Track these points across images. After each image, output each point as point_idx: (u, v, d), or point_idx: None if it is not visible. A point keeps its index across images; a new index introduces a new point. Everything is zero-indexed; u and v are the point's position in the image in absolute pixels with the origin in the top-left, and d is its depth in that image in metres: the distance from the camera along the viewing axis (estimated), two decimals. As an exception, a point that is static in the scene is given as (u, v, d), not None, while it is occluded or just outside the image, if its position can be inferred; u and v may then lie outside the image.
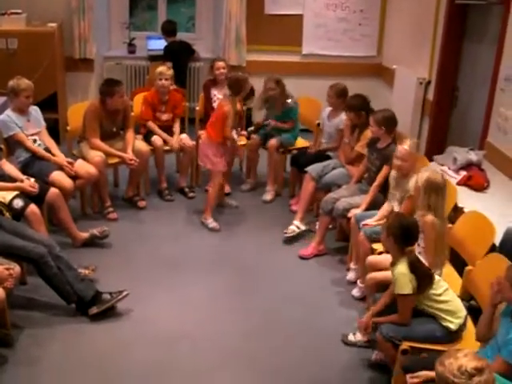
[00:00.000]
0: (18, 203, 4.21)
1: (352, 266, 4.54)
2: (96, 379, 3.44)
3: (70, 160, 4.96)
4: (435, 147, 5.79)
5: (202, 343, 3.78)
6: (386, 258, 3.67)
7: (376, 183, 4.50)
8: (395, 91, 6.77)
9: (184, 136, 5.86)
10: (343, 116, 5.22)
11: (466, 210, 4.03)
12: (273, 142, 5.84)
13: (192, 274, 4.56)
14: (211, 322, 4.03)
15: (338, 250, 4.98)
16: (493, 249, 3.53)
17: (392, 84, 6.86)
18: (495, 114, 4.85)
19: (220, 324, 4.00)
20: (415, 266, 3.20)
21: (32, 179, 4.50)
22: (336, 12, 7.61)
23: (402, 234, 3.23)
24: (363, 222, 4.26)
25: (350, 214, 4.49)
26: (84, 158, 5.19)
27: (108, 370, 3.51)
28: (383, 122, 4.51)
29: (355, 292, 4.34)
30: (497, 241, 3.57)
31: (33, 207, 4.27)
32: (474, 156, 4.68)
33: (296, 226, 5.14)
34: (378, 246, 4.02)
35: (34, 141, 4.90)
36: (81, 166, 5.02)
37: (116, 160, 5.40)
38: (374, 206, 4.44)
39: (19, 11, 6.77)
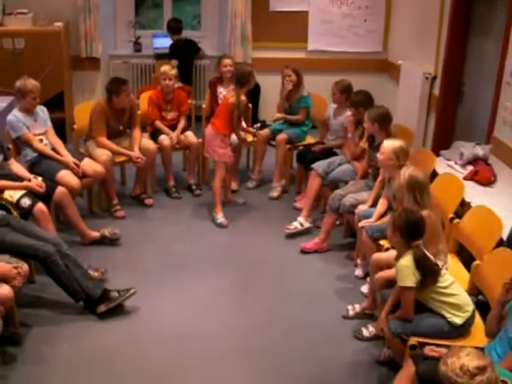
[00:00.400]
0: (26, 202, 4.23)
1: (359, 261, 4.54)
2: (105, 377, 3.46)
3: (76, 161, 4.95)
4: (442, 142, 5.77)
5: (210, 340, 3.79)
6: (392, 255, 3.67)
7: (379, 178, 4.51)
8: (401, 87, 6.75)
9: (189, 133, 5.87)
10: (348, 113, 5.22)
11: (473, 204, 4.02)
12: (282, 135, 5.85)
13: (199, 272, 4.57)
14: (218, 319, 4.03)
15: (345, 246, 4.98)
16: (500, 243, 3.52)
17: (398, 79, 6.84)
18: (501, 108, 4.83)
19: (227, 321, 4.01)
20: (421, 261, 3.19)
21: (39, 178, 4.52)
22: (341, 8, 7.61)
23: (408, 229, 3.22)
24: (360, 224, 4.28)
25: (356, 210, 4.50)
26: (91, 157, 5.20)
27: (116, 367, 3.53)
28: (376, 118, 4.53)
29: (364, 288, 4.34)
30: (504, 235, 3.56)
31: (40, 205, 4.28)
32: (480, 151, 4.67)
33: (299, 222, 5.14)
34: (384, 242, 4.02)
35: (41, 140, 4.92)
36: (88, 165, 5.03)
37: (123, 158, 5.42)
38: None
39: (25, 11, 6.80)
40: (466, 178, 4.47)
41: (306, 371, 3.56)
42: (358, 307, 4.05)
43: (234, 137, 5.54)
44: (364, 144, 4.89)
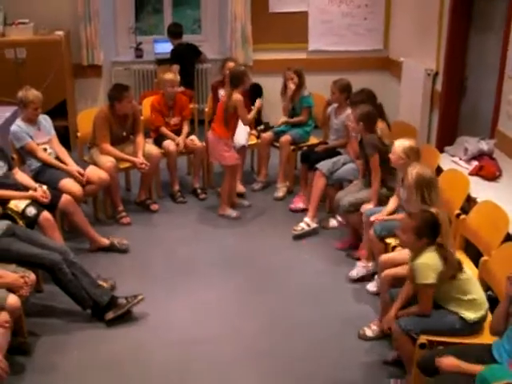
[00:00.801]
0: (31, 211, 4.24)
1: (362, 263, 4.50)
2: (115, 383, 3.46)
3: (80, 170, 4.94)
4: (446, 138, 5.74)
5: (218, 344, 3.78)
6: (400, 254, 3.66)
7: (372, 175, 4.49)
8: (403, 84, 6.73)
9: (193, 137, 5.87)
10: (349, 111, 5.20)
11: (478, 200, 4.00)
12: (286, 136, 5.84)
13: (206, 275, 4.57)
14: (226, 322, 4.03)
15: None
16: (508, 238, 3.50)
17: (400, 77, 6.82)
18: (505, 102, 4.80)
19: (235, 324, 4.00)
20: (449, 257, 3.17)
21: (44, 186, 4.52)
22: (341, 7, 7.59)
23: (428, 229, 3.19)
24: (372, 218, 4.24)
25: (362, 210, 4.47)
26: (95, 164, 5.21)
27: (126, 374, 3.53)
28: (360, 117, 4.54)
29: (370, 286, 4.33)
30: (511, 230, 3.54)
31: (46, 214, 4.29)
32: (484, 145, 4.65)
33: (306, 223, 5.13)
34: (392, 241, 4.00)
35: (45, 149, 4.92)
36: (92, 172, 5.04)
37: (127, 164, 5.43)
38: (380, 200, 4.45)
39: (26, 21, 6.83)
40: (471, 174, 4.45)
41: (317, 373, 3.55)
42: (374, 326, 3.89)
43: (237, 139, 5.54)
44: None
